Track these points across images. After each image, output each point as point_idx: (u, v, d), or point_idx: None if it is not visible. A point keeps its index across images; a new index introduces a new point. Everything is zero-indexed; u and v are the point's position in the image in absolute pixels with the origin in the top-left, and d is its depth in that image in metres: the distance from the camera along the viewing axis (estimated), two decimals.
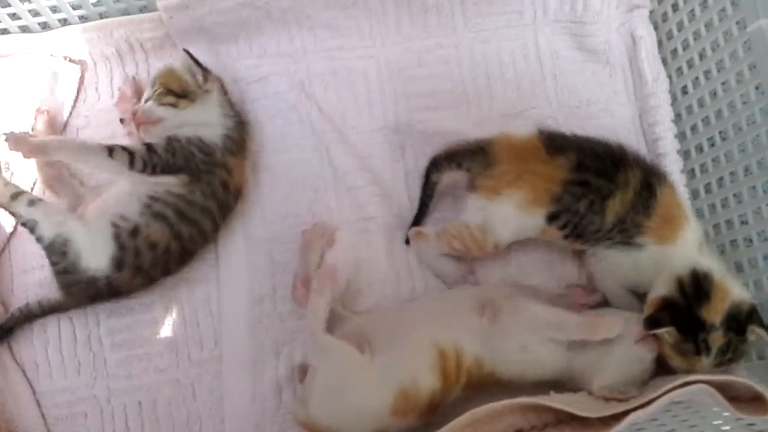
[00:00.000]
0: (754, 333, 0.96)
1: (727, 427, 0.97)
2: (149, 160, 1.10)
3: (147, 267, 1.11)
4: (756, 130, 1.04)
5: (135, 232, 1.09)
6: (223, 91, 1.19)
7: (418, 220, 1.19)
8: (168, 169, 1.11)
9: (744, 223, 1.10)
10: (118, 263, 1.09)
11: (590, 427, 0.94)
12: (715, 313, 0.96)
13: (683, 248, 1.03)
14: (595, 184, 1.05)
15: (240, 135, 1.18)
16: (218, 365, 1.18)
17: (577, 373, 1.03)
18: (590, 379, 1.01)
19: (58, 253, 1.09)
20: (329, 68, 1.27)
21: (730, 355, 0.96)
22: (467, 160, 1.11)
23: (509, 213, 1.08)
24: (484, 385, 1.04)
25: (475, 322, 1.04)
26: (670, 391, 0.92)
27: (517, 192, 1.06)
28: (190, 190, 1.12)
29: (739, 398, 0.97)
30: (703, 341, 0.96)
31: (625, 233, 1.05)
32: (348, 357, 1.00)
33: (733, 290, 0.98)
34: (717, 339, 0.96)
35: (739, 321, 0.96)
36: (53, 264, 1.10)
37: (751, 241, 1.09)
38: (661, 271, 1.02)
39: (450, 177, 1.15)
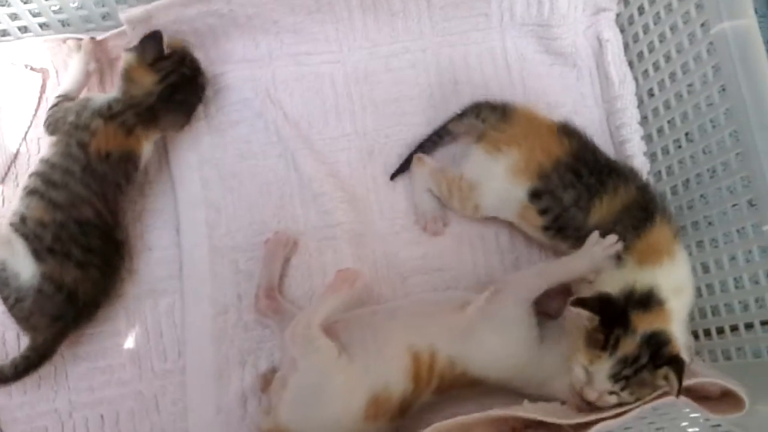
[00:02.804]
0: (667, 378, 0.92)
1: (695, 429, 0.97)
2: None
3: (61, 249, 1.07)
4: (720, 132, 1.04)
5: (23, 219, 1.08)
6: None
7: (422, 148, 1.21)
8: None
9: (710, 224, 1.10)
10: (36, 255, 1.07)
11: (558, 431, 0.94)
12: (642, 324, 0.94)
13: (659, 275, 1.00)
14: (586, 179, 1.05)
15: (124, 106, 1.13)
16: (182, 376, 1.16)
17: (548, 373, 1.02)
18: (562, 378, 1.00)
19: (2, 283, 1.08)
20: (295, 74, 1.26)
21: (627, 373, 0.93)
22: (486, 111, 1.15)
23: (499, 174, 1.09)
24: (455, 387, 1.03)
25: (453, 321, 1.03)
26: (647, 402, 0.92)
27: (514, 154, 1.08)
28: (48, 153, 1.11)
29: (709, 397, 0.97)
30: (615, 338, 0.93)
31: None
32: (330, 358, 0.98)
33: (677, 332, 0.96)
34: (628, 345, 0.93)
35: (662, 354, 0.93)
36: (4, 300, 1.09)
37: (716, 241, 1.08)
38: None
39: (467, 126, 1.19)
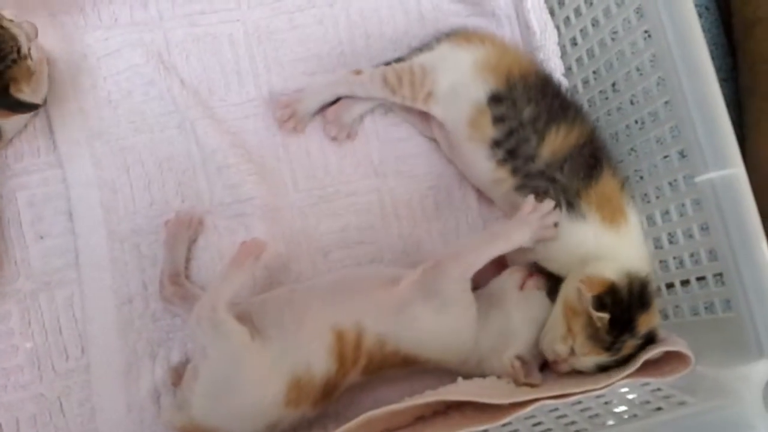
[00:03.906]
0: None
1: (635, 395, 0.93)
2: None
3: None
4: (646, 79, 0.98)
5: None
6: None
7: None
8: None
9: (641, 178, 1.05)
10: None
11: (496, 408, 0.88)
12: (645, 324, 0.92)
13: (629, 245, 0.98)
14: (550, 100, 1.01)
15: None
16: (87, 375, 1.07)
17: (484, 351, 0.98)
18: (501, 353, 0.96)
19: None
20: (190, 35, 1.15)
21: (614, 364, 0.92)
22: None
23: (465, 65, 1.03)
24: (385, 367, 0.97)
25: (382, 296, 0.96)
26: (592, 390, 0.88)
27: (487, 48, 1.04)
28: None
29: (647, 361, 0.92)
30: (622, 341, 0.91)
31: (564, 191, 0.98)
32: (241, 342, 0.90)
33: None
34: (630, 347, 0.91)
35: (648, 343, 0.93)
36: None
37: (648, 197, 1.04)
38: (603, 257, 0.96)
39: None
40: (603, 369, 0.92)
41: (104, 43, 1.12)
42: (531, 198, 0.97)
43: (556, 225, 0.97)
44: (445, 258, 0.97)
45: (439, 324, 0.96)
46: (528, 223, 0.96)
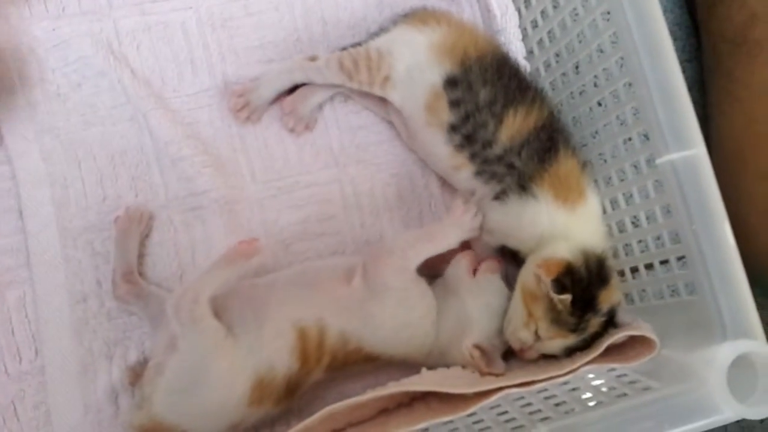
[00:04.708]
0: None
1: (601, 381, 0.91)
2: None
3: None
4: (607, 60, 0.96)
5: None
6: None
7: None
8: None
9: (604, 161, 1.03)
10: None
11: (460, 398, 0.87)
12: (606, 300, 0.91)
13: (585, 224, 0.96)
14: (506, 81, 0.98)
15: None
16: (41, 377, 1.03)
17: (445, 342, 0.96)
18: (459, 344, 0.94)
19: None
20: (141, 24, 1.11)
21: (582, 345, 0.91)
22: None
23: (421, 48, 1.00)
24: (349, 364, 0.95)
25: (341, 293, 0.94)
26: (555, 377, 0.87)
27: (443, 31, 1.01)
28: None
29: (612, 344, 0.91)
30: (586, 321, 0.89)
31: (520, 176, 0.96)
32: (216, 339, 0.88)
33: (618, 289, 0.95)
34: (595, 325, 0.90)
35: (613, 323, 0.92)
36: None
37: (611, 180, 1.02)
38: (558, 236, 0.94)
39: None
40: (572, 351, 0.91)
41: (52, 34, 1.08)
42: (459, 201, 0.98)
43: (524, 187, 0.96)
44: (383, 253, 0.95)
45: (396, 318, 0.94)
46: (460, 224, 0.97)
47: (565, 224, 0.95)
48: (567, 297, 0.87)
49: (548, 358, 0.94)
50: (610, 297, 0.91)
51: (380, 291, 0.93)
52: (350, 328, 0.93)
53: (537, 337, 0.91)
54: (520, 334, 0.92)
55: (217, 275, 0.91)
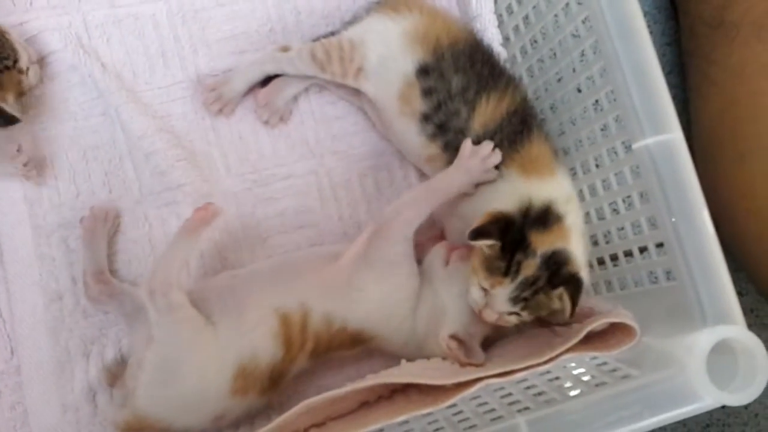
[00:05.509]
0: (561, 300, 0.88)
1: (582, 369, 0.90)
2: None
3: None
4: (581, 44, 0.95)
5: None
6: None
7: None
8: None
9: (580, 148, 1.02)
10: None
11: (440, 390, 0.85)
12: (542, 243, 0.88)
13: (547, 185, 0.94)
14: (479, 68, 0.97)
15: None
16: (18, 377, 1.02)
17: (422, 334, 0.95)
18: (436, 335, 0.93)
19: None
20: (111, 17, 1.09)
21: (526, 295, 0.88)
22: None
23: (393, 37, 0.99)
24: (332, 349, 0.94)
25: (326, 273, 0.94)
26: (535, 365, 0.85)
27: (415, 18, 1.00)
28: None
29: (593, 332, 0.90)
30: (517, 263, 0.87)
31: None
32: (196, 329, 0.88)
33: (575, 250, 0.90)
34: (529, 267, 0.87)
35: (559, 274, 0.88)
36: None
37: (588, 166, 1.01)
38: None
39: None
40: (522, 316, 0.90)
41: (19, 29, 1.06)
42: (468, 142, 0.94)
43: (497, 167, 0.94)
44: (384, 221, 0.94)
45: (384, 292, 0.94)
46: (467, 168, 0.93)
47: (524, 190, 0.93)
48: (485, 242, 0.86)
49: (529, 346, 0.93)
50: (547, 240, 0.89)
51: (375, 261, 0.93)
52: (334, 308, 0.92)
53: (484, 291, 0.89)
54: (471, 292, 0.90)
55: (181, 248, 0.89)
